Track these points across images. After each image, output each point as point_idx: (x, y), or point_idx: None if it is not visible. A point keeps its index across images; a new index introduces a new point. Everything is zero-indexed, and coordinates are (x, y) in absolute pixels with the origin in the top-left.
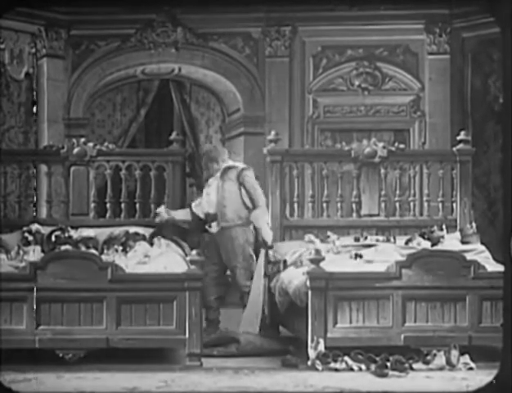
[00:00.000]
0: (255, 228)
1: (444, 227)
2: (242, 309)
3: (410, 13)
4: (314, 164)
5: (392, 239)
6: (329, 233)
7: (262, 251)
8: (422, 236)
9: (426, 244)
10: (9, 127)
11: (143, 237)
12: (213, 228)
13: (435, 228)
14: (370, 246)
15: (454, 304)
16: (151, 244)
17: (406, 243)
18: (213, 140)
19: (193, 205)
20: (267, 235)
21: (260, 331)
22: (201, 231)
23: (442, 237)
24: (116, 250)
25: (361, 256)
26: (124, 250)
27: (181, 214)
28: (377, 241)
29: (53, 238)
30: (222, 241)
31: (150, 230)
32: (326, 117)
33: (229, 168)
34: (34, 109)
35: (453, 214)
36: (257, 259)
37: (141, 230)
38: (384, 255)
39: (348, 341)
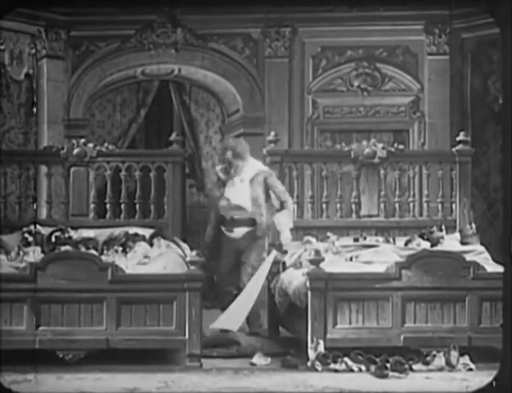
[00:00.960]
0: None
1: (443, 227)
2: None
3: (409, 14)
4: (314, 164)
5: (391, 240)
6: (328, 234)
7: (273, 253)
8: (421, 236)
9: (426, 245)
10: (9, 128)
11: (143, 238)
12: (237, 233)
13: (434, 228)
14: (369, 246)
15: (453, 305)
16: (151, 245)
17: (406, 244)
18: (213, 141)
19: (220, 204)
20: (286, 239)
21: (259, 333)
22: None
23: (442, 237)
24: (116, 251)
25: (356, 257)
26: (124, 251)
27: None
28: (377, 241)
29: (53, 239)
30: (246, 245)
31: (150, 231)
32: (326, 118)
33: (257, 173)
34: (34, 110)
35: (452, 215)
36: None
37: (140, 231)
38: (383, 256)
39: (347, 342)
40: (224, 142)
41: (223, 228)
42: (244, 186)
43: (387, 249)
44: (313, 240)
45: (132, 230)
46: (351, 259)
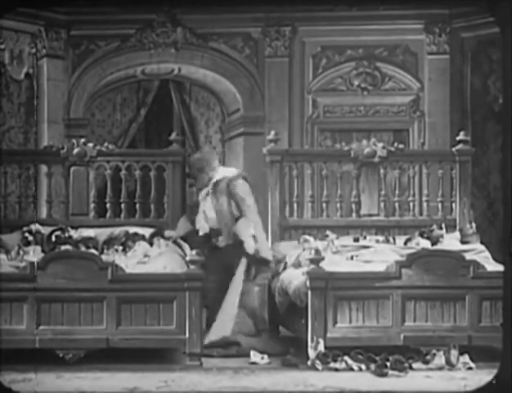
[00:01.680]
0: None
1: (443, 226)
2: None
3: (409, 13)
4: (314, 164)
5: (391, 239)
6: (327, 232)
7: (243, 261)
8: (421, 235)
9: (425, 243)
10: (9, 127)
11: (143, 237)
12: (221, 242)
13: (434, 226)
14: (367, 247)
15: (453, 304)
16: (151, 244)
17: (406, 243)
18: (213, 140)
19: (196, 224)
20: (250, 248)
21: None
22: (208, 244)
23: (442, 235)
24: (116, 250)
25: (357, 256)
26: (124, 250)
27: (182, 228)
28: (377, 241)
29: (53, 238)
30: (229, 253)
31: (150, 230)
32: (326, 117)
33: (218, 181)
34: (34, 109)
35: (453, 214)
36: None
37: (140, 230)
38: (382, 256)
39: (347, 341)
40: (191, 159)
41: (213, 240)
42: (209, 199)
43: (386, 248)
44: (311, 239)
45: (132, 229)
46: (352, 258)
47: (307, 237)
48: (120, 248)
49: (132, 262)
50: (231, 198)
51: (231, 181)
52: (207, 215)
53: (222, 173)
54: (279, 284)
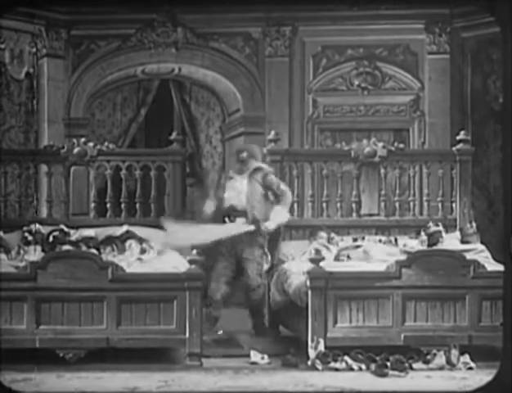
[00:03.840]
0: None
1: (440, 223)
2: (246, 308)
3: (410, 13)
4: (314, 163)
5: (393, 240)
6: (333, 235)
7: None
8: (419, 233)
9: (413, 244)
10: (9, 127)
11: (141, 237)
12: (237, 223)
13: (431, 223)
14: (357, 246)
15: (454, 304)
16: (150, 244)
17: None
18: (213, 140)
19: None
20: (265, 227)
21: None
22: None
23: (439, 231)
24: (113, 249)
25: (348, 257)
26: (122, 250)
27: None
28: (380, 241)
29: (51, 239)
30: (242, 235)
31: (150, 230)
32: (326, 117)
33: (257, 169)
34: (35, 109)
35: (453, 214)
36: (271, 258)
37: (140, 230)
38: (370, 255)
39: (348, 341)
40: (240, 146)
41: (227, 219)
42: (243, 181)
43: (374, 248)
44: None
45: (131, 229)
46: (337, 258)
47: (322, 233)
48: (118, 247)
49: (130, 261)
50: (267, 189)
51: (266, 174)
52: (240, 196)
53: (258, 165)
54: (278, 282)
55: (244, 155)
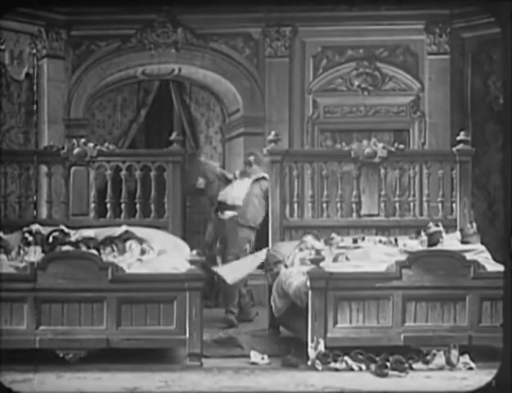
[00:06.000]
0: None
1: (440, 223)
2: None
3: (410, 13)
4: (314, 164)
5: (393, 240)
6: (333, 235)
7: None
8: (419, 233)
9: (412, 245)
10: (9, 127)
11: (141, 238)
12: (226, 215)
13: (431, 224)
14: (356, 247)
15: (454, 304)
16: (150, 244)
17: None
18: (213, 140)
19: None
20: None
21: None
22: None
23: (440, 232)
24: (113, 250)
25: (347, 258)
26: (122, 250)
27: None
28: (380, 241)
29: (51, 239)
30: (231, 228)
31: (150, 230)
32: (326, 117)
33: (264, 178)
34: (35, 109)
35: (453, 214)
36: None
37: (139, 230)
38: (369, 256)
39: (348, 341)
40: (252, 150)
41: (218, 212)
42: (246, 185)
43: (373, 248)
44: (308, 238)
45: (130, 229)
46: (337, 258)
47: (308, 237)
48: (117, 248)
49: (130, 262)
50: (265, 198)
51: (268, 187)
52: (240, 193)
53: (262, 173)
54: (279, 284)
55: (251, 158)
